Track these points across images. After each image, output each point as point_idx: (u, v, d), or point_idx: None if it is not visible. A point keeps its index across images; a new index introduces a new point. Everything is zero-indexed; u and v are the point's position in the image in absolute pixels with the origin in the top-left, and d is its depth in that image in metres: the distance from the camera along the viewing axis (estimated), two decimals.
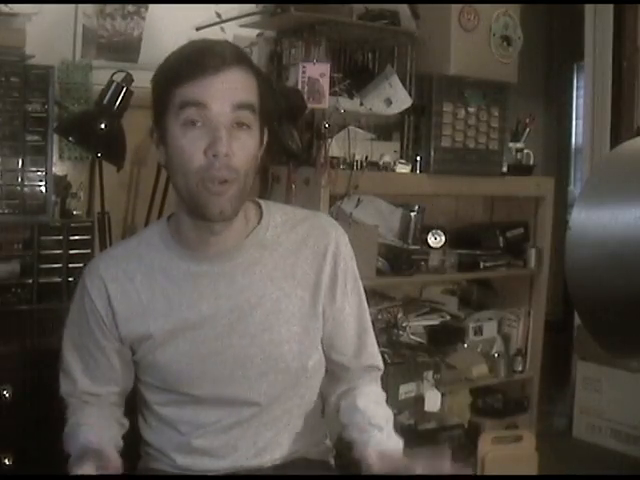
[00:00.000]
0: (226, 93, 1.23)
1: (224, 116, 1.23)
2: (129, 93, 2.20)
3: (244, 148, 1.25)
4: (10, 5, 2.21)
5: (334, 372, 1.47)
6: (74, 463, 1.28)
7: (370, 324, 1.48)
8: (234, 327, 1.34)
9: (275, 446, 1.40)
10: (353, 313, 1.44)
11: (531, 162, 3.02)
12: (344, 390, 1.46)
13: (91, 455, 1.26)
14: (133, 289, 1.36)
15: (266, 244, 1.37)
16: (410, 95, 2.66)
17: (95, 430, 1.37)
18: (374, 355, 1.48)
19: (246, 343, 1.35)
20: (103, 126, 2.16)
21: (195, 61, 1.23)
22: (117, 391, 1.44)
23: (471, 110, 2.74)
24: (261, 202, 1.42)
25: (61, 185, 2.37)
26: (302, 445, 1.44)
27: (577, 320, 3.21)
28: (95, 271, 1.39)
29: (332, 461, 1.53)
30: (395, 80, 2.65)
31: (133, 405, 1.49)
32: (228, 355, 1.35)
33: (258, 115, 1.28)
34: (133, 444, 1.46)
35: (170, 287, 1.35)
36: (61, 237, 2.29)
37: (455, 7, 2.61)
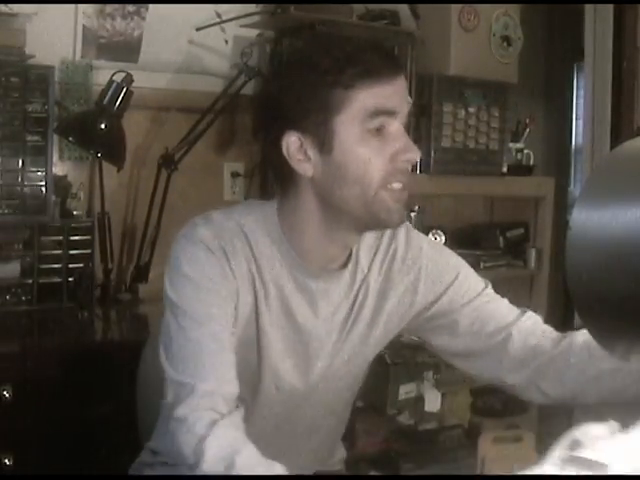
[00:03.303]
0: (406, 97, 1.18)
1: (404, 121, 1.17)
2: (129, 93, 2.20)
3: None
4: (10, 5, 2.21)
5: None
6: None
7: None
8: (320, 349, 1.27)
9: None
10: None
11: (531, 162, 3.01)
12: None
13: None
14: (235, 265, 1.18)
15: (359, 261, 1.29)
16: (410, 95, 2.66)
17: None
18: None
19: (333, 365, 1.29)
20: (103, 126, 2.16)
21: (382, 60, 1.14)
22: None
23: (471, 110, 2.74)
24: None
25: (61, 185, 2.37)
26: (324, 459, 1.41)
27: (577, 320, 3.21)
28: (210, 232, 1.18)
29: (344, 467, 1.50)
30: None
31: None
32: (309, 379, 1.28)
33: None
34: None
35: (273, 287, 1.22)
36: (61, 237, 2.30)
37: (455, 7, 2.61)
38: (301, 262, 1.22)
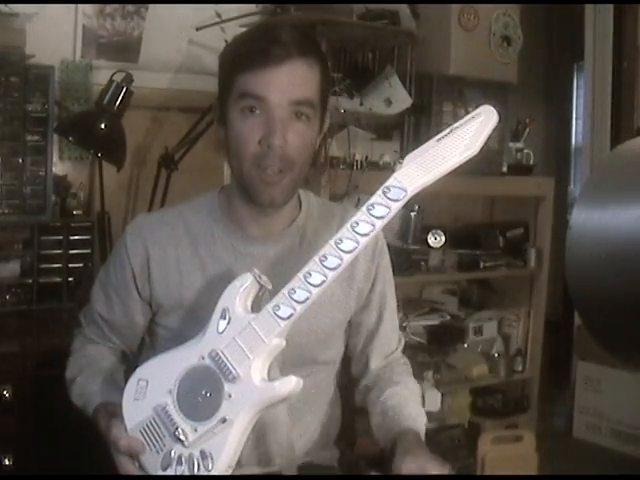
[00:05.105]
0: (285, 88, 1.23)
1: (282, 108, 1.23)
2: (129, 93, 2.20)
3: (301, 139, 1.26)
4: (10, 5, 2.21)
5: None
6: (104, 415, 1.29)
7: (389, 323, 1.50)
8: None
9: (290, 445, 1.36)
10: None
11: (531, 162, 3.02)
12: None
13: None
14: (174, 255, 1.34)
15: (305, 233, 1.37)
16: (410, 95, 2.66)
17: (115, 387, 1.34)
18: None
19: None
20: (103, 126, 2.16)
21: (258, 51, 1.24)
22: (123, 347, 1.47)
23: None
24: (300, 191, 1.40)
25: (61, 185, 2.37)
26: (313, 446, 1.42)
27: (577, 320, 3.21)
28: (138, 231, 1.37)
29: (336, 464, 1.50)
30: (395, 80, 2.65)
31: None
32: None
33: (318, 108, 1.29)
34: None
35: (211, 261, 1.33)
36: (61, 237, 2.30)
37: (455, 7, 2.61)
38: (241, 232, 1.35)
